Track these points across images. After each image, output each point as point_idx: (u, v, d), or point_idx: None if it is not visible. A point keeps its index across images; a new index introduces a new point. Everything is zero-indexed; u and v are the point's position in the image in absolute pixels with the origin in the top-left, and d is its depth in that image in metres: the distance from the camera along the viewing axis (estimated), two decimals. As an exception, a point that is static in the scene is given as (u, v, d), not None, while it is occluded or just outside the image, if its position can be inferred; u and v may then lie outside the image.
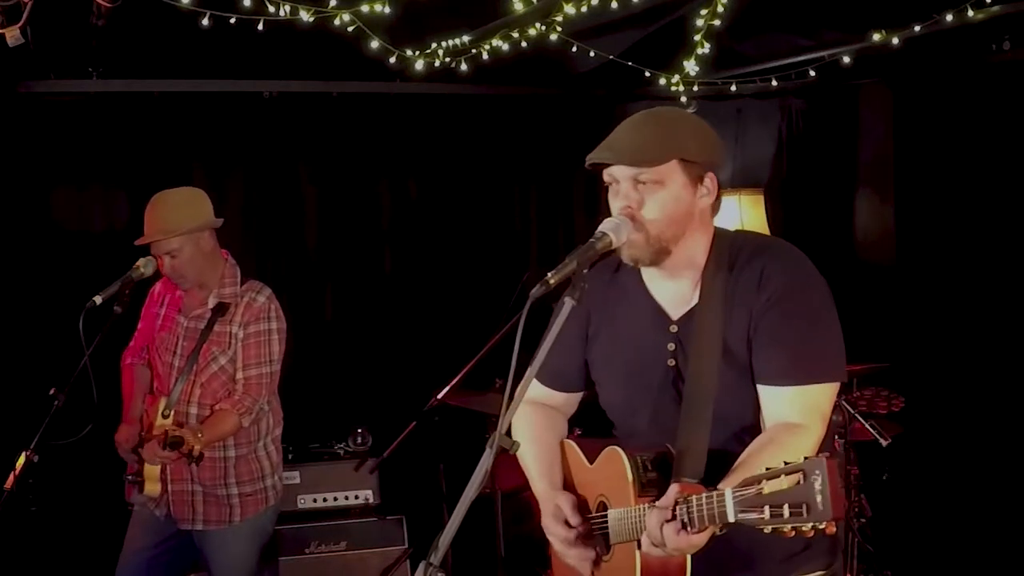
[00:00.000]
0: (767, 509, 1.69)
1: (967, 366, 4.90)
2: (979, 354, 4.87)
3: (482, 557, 4.45)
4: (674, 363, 2.21)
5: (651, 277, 2.26)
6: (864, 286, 5.44)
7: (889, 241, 5.45)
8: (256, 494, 3.64)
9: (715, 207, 2.23)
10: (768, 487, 1.69)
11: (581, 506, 2.28)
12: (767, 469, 1.71)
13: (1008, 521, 4.63)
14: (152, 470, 3.49)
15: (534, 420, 2.43)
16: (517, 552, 4.30)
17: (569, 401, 2.52)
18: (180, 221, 3.47)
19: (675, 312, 2.23)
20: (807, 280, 2.16)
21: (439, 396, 4.21)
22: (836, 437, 3.92)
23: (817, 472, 1.62)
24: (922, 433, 4.53)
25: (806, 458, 1.65)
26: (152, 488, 3.50)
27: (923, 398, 4.48)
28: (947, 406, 4.87)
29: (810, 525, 1.64)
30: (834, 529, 1.66)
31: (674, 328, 2.22)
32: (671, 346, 2.21)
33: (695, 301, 2.19)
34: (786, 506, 1.66)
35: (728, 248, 2.20)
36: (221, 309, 3.56)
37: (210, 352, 3.54)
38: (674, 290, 2.23)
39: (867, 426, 3.84)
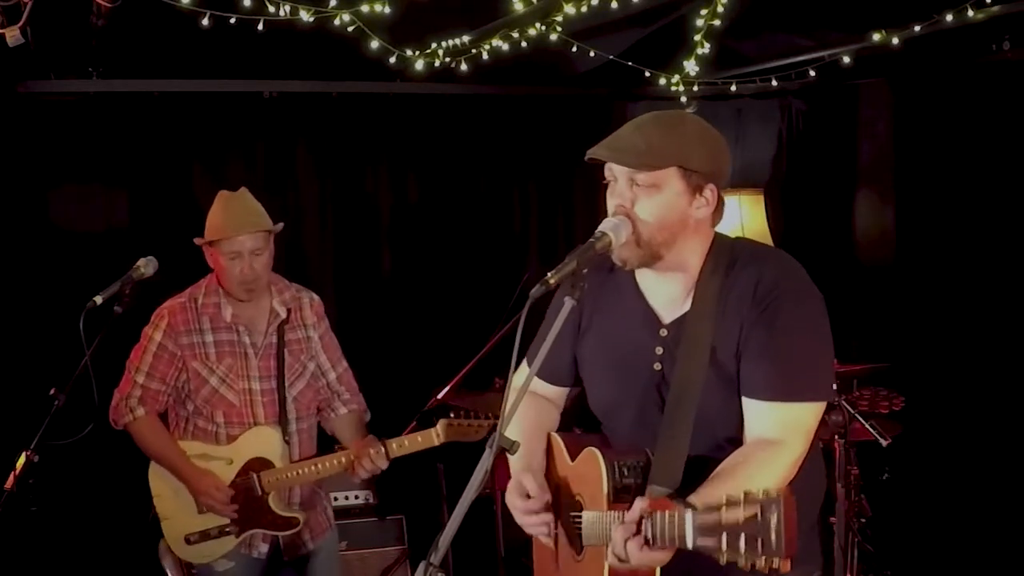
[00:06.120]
0: (724, 538, 1.66)
1: (967, 366, 4.90)
2: (979, 354, 4.87)
3: (482, 557, 4.45)
4: (660, 367, 2.20)
5: (645, 278, 2.25)
6: (864, 286, 5.45)
7: (889, 241, 5.45)
8: (328, 495, 3.67)
9: (716, 217, 2.19)
10: (727, 516, 1.66)
11: (565, 504, 2.28)
12: (727, 497, 1.68)
13: (1008, 521, 4.63)
14: (286, 507, 3.42)
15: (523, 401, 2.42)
16: (517, 552, 4.29)
17: (558, 395, 2.51)
18: (267, 217, 3.39)
19: (667, 316, 2.22)
20: (802, 294, 2.12)
21: (439, 396, 4.22)
22: (836, 437, 3.92)
23: (774, 508, 1.60)
24: (922, 433, 4.52)
25: (765, 492, 1.63)
26: (302, 515, 3.43)
27: (923, 398, 4.47)
28: (947, 406, 4.87)
29: (764, 560, 1.61)
30: (788, 568, 1.63)
31: (664, 332, 2.21)
32: (659, 350, 2.20)
33: (687, 307, 2.18)
34: (742, 536, 1.63)
35: (728, 254, 2.18)
36: (287, 316, 3.46)
37: (298, 362, 3.45)
38: (667, 294, 2.22)
39: (867, 426, 3.84)
